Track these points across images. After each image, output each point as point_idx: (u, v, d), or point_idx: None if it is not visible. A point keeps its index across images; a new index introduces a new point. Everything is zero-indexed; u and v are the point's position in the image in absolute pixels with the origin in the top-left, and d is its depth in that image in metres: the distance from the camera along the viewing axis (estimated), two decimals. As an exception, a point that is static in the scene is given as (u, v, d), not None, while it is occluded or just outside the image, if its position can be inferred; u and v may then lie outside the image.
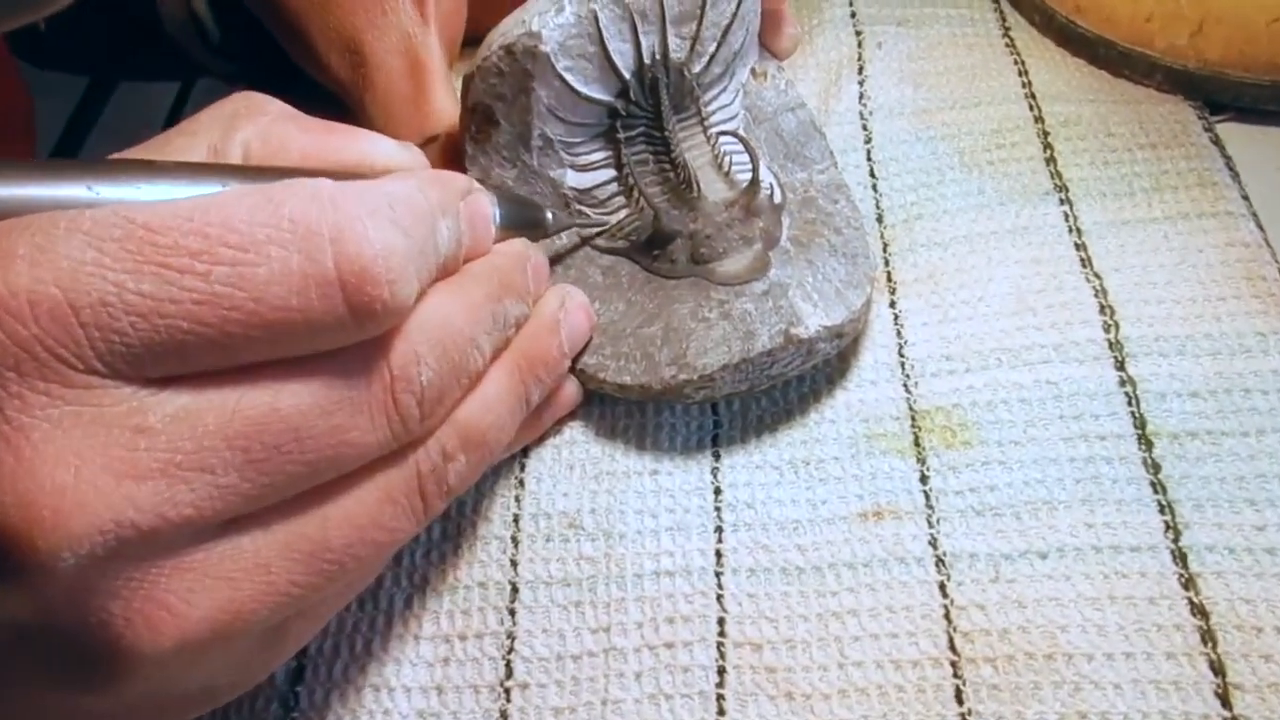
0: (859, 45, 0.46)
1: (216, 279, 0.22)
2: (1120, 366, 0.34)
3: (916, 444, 0.33)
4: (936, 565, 0.30)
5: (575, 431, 0.36)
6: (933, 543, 0.31)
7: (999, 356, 0.35)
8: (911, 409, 0.34)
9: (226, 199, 0.23)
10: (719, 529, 0.32)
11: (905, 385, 0.35)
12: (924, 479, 0.32)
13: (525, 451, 0.35)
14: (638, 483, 0.34)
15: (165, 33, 0.44)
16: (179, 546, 0.23)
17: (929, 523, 0.31)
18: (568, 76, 0.34)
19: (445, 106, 0.37)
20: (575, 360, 0.34)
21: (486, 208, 0.30)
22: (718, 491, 0.33)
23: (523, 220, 0.33)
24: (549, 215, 0.34)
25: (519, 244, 0.32)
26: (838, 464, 0.33)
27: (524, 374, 0.30)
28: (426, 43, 0.37)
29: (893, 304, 0.38)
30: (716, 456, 0.34)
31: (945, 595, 0.30)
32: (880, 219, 0.40)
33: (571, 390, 0.35)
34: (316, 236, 0.23)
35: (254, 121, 0.30)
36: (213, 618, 0.23)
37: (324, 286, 0.23)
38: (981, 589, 0.30)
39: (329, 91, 0.41)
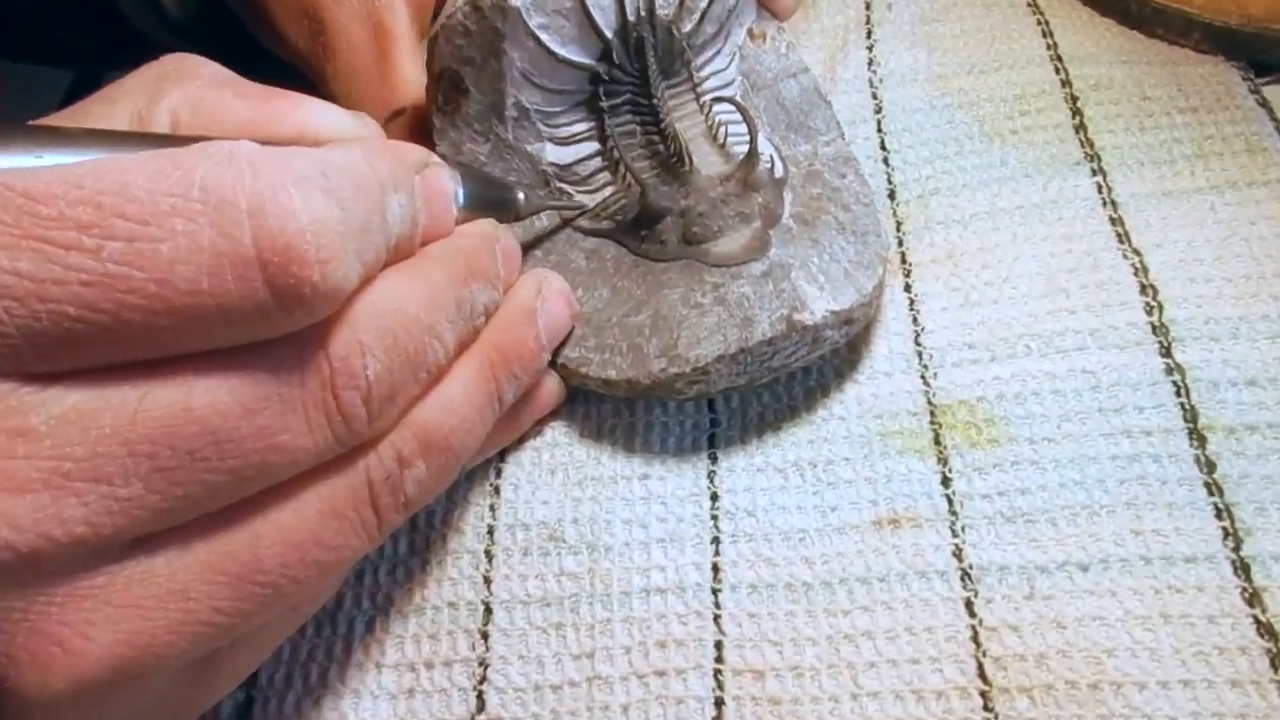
0: (867, 7, 0.42)
1: (109, 256, 0.19)
2: (1166, 353, 0.30)
3: (937, 442, 0.30)
4: (962, 580, 0.27)
5: (557, 432, 0.32)
6: (957, 554, 0.27)
7: (1028, 343, 0.31)
8: (930, 403, 0.31)
9: (125, 163, 0.20)
10: (716, 540, 0.29)
11: (923, 377, 0.31)
12: (946, 481, 0.29)
13: (502, 455, 0.32)
14: (626, 489, 0.30)
15: (120, 12, 0.41)
16: (73, 570, 0.19)
17: (953, 531, 0.28)
18: (543, 36, 0.31)
19: (412, 77, 0.34)
20: (555, 353, 0.31)
21: (446, 184, 0.27)
22: (714, 498, 0.30)
23: (490, 200, 0.29)
24: (520, 196, 0.31)
25: (485, 224, 0.29)
26: (848, 466, 0.30)
27: (495, 369, 0.27)
28: (391, 6, 0.34)
29: (908, 287, 0.34)
30: (713, 459, 0.31)
31: (973, 614, 0.26)
32: (893, 195, 0.37)
33: (552, 387, 0.32)
34: (231, 207, 0.19)
35: (184, 86, 0.26)
36: (117, 654, 0.20)
37: (240, 266, 0.19)
38: (1014, 607, 0.26)
39: (301, 72, 0.37)
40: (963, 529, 0.28)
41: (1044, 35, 0.40)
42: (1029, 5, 0.42)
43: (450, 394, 0.26)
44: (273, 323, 0.20)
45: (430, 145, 0.33)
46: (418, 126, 0.34)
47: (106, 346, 0.19)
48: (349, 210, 0.21)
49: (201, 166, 0.20)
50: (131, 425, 0.19)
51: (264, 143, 0.25)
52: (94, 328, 0.19)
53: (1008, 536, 0.27)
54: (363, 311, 0.23)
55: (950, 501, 0.28)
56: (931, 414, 0.30)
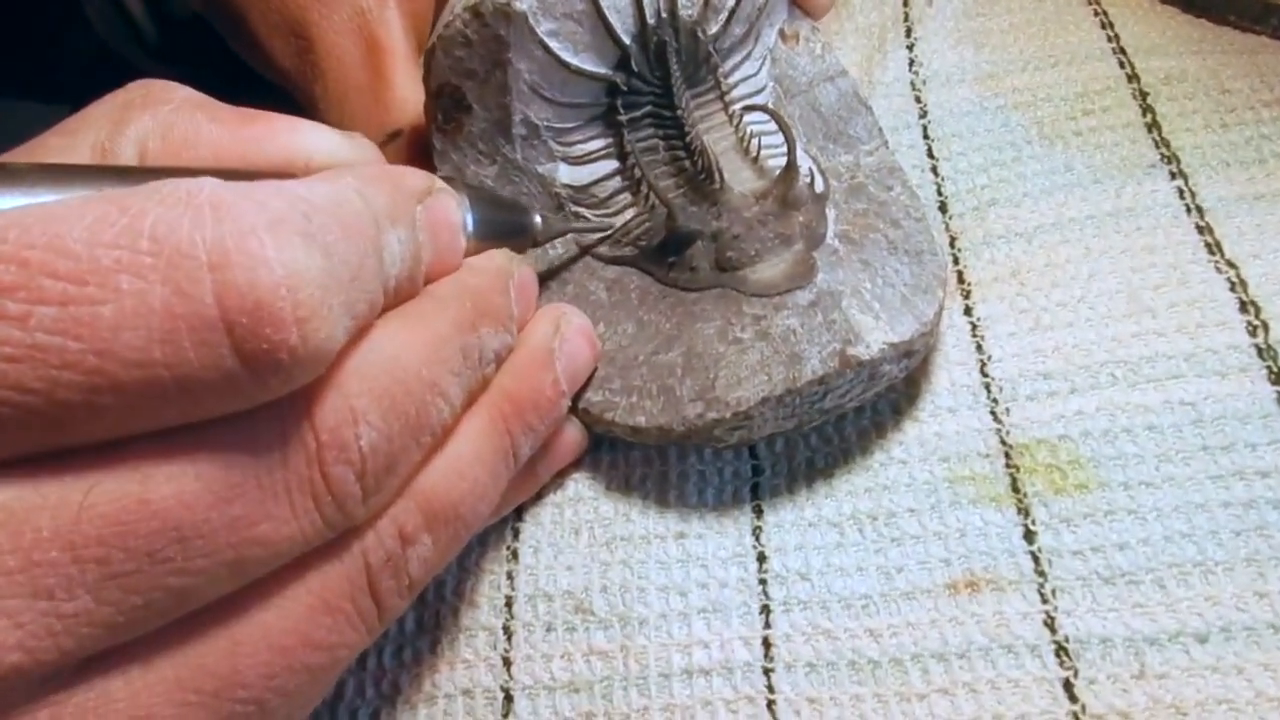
0: (905, 3, 0.39)
1: (39, 325, 0.15)
2: (1278, 380, 0.26)
3: (1015, 489, 0.26)
4: (1058, 655, 0.23)
5: (580, 485, 0.29)
6: (1049, 623, 0.23)
7: (1113, 372, 0.27)
8: (1004, 443, 0.27)
9: (59, 210, 0.16)
10: (766, 609, 0.25)
11: (993, 412, 0.28)
12: (1029, 536, 0.25)
13: (519, 514, 0.28)
14: (660, 550, 0.27)
15: (97, 36, 0.38)
16: (10, 704, 0.16)
17: (1041, 596, 0.24)
18: (552, 44, 0.27)
19: (409, 95, 0.31)
20: (576, 398, 0.28)
21: (453, 212, 0.23)
22: (761, 559, 0.26)
23: (504, 227, 0.26)
24: (537, 219, 0.27)
25: (499, 256, 0.25)
26: (914, 518, 0.26)
27: (509, 422, 0.24)
28: (384, 19, 0.31)
29: (968, 310, 0.30)
30: (758, 512, 0.27)
31: (1073, 698, 0.22)
32: (944, 208, 0.33)
33: (573, 435, 0.28)
34: (189, 259, 0.16)
35: (152, 112, 0.23)
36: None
37: (201, 330, 0.16)
38: (1122, 689, 0.22)
39: (290, 94, 0.34)
40: (1053, 593, 0.24)
41: (1103, 27, 0.36)
42: (1084, -5, 0.38)
43: (458, 455, 0.22)
44: (244, 394, 0.17)
45: (431, 169, 0.30)
46: (417, 149, 0.31)
47: (40, 432, 0.16)
48: (335, 256, 0.18)
49: (153, 211, 0.16)
50: (75, 526, 0.16)
51: (244, 173, 0.22)
52: (23, 411, 0.15)
53: (1107, 601, 0.23)
54: (354, 371, 0.19)
55: (1036, 560, 0.25)
56: (1006, 455, 0.27)
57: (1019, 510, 0.26)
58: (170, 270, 0.16)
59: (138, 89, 0.24)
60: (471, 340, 0.22)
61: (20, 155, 0.23)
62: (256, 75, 0.35)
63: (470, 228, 0.24)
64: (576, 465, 0.29)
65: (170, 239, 0.16)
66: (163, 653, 0.18)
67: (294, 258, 0.17)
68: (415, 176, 0.23)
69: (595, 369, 0.28)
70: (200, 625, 0.18)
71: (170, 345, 0.16)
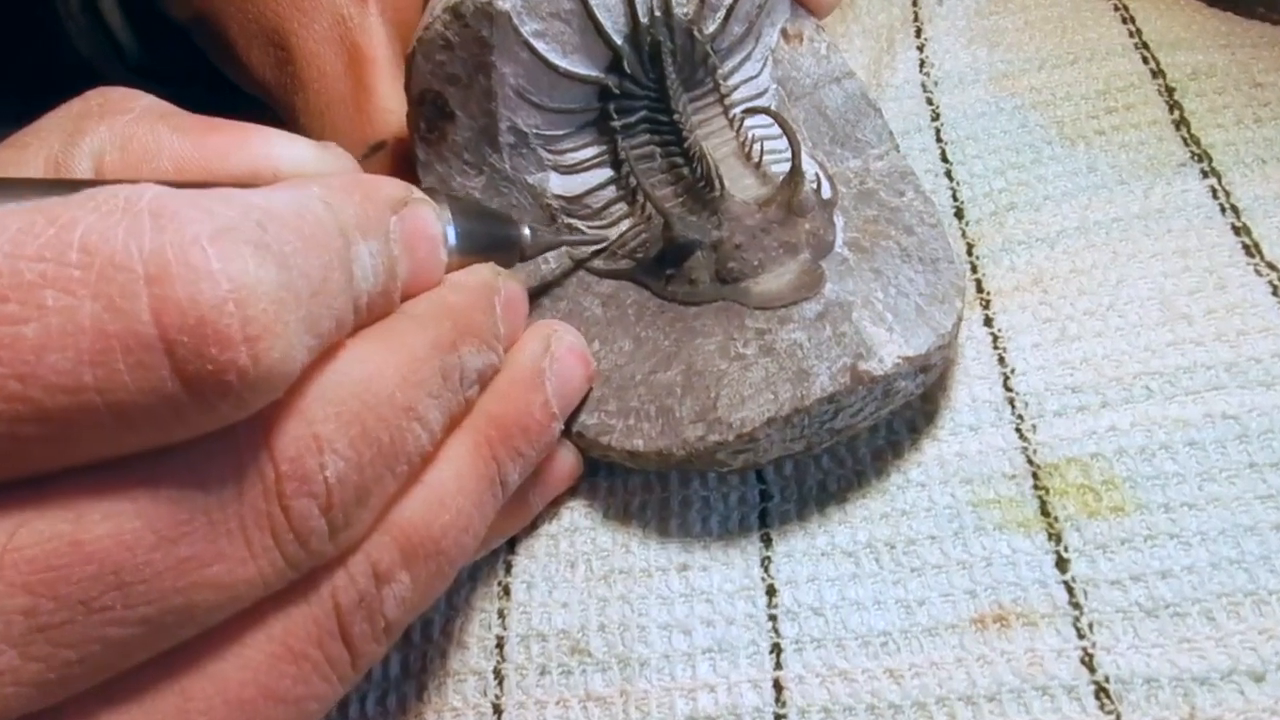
0: (914, 4, 0.37)
1: None
2: (1329, 389, 0.24)
3: (1045, 513, 0.24)
4: (1097, 696, 0.21)
5: (576, 514, 0.27)
6: (1087, 661, 0.21)
7: (1147, 384, 0.25)
8: (1032, 463, 0.25)
9: None
10: (776, 649, 0.23)
11: (1019, 430, 0.26)
12: (1062, 564, 0.23)
13: (511, 546, 0.26)
14: (662, 584, 0.25)
15: (79, 54, 0.37)
16: None
17: (1078, 630, 0.22)
18: (539, 45, 0.26)
19: (393, 105, 0.29)
20: (570, 421, 0.26)
21: (432, 224, 0.22)
22: (771, 592, 0.24)
23: (490, 240, 0.24)
24: (526, 231, 0.26)
25: (484, 271, 0.24)
26: (935, 546, 0.24)
27: (495, 448, 0.22)
28: (365, 25, 0.29)
29: (988, 321, 0.28)
30: (766, 541, 0.25)
31: (1118, 745, 0.20)
32: (960, 213, 0.31)
33: (566, 460, 0.26)
34: (123, 272, 0.15)
35: (109, 123, 0.22)
36: None
37: (137, 350, 0.15)
38: (1172, 734, 0.20)
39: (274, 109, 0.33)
40: (1090, 627, 0.22)
41: (1124, 21, 0.35)
42: (1102, -10, 0.36)
43: (439, 484, 0.20)
44: (189, 421, 0.15)
45: (415, 182, 0.28)
46: (401, 161, 0.29)
47: None
48: (294, 268, 0.16)
49: (85, 220, 0.15)
50: None
51: (207, 185, 0.21)
52: None
53: (1150, 636, 0.21)
54: (320, 394, 0.18)
55: (1070, 590, 0.22)
56: (1034, 476, 0.25)
57: (1050, 536, 0.23)
58: (102, 284, 0.14)
59: (95, 97, 0.23)
60: (451, 360, 0.21)
61: (-32, 171, 0.22)
62: (241, 90, 0.34)
63: (452, 241, 0.23)
64: (572, 492, 0.27)
65: (103, 250, 0.15)
66: (104, 711, 0.16)
67: (243, 269, 0.15)
68: (390, 186, 0.21)
69: (590, 390, 0.26)
70: (146, 680, 0.16)
71: (102, 368, 0.14)
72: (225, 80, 0.34)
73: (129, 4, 0.36)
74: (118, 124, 0.22)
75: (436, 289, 0.22)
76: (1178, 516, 0.23)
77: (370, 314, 0.20)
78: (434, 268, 0.22)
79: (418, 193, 0.22)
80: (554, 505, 0.27)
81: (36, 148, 0.22)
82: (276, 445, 0.17)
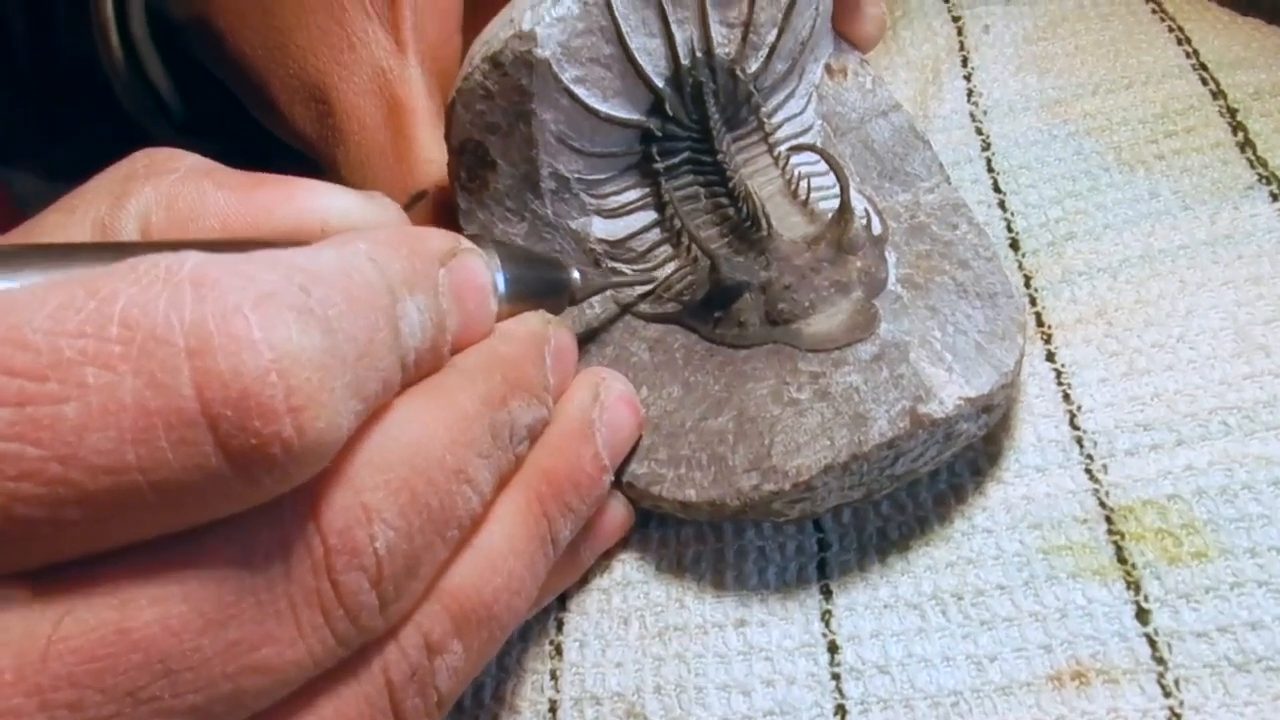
0: (959, 33, 0.37)
1: None
2: None
3: (1121, 560, 0.23)
4: (1190, 759, 0.20)
5: (628, 568, 0.26)
6: (1176, 721, 0.20)
7: (1225, 419, 0.24)
8: (1104, 505, 0.24)
9: (23, 298, 0.15)
10: (841, 710, 0.22)
11: (1088, 471, 0.25)
12: (1142, 615, 0.22)
13: (562, 602, 0.26)
14: (719, 641, 0.24)
15: (125, 112, 0.38)
16: None
17: (1163, 688, 0.21)
18: (579, 91, 0.25)
19: (434, 155, 0.29)
20: (620, 470, 0.25)
21: (481, 274, 0.21)
22: (833, 649, 0.23)
23: (540, 285, 0.24)
24: (575, 274, 0.25)
25: (534, 320, 0.23)
26: (1005, 597, 0.23)
27: (546, 504, 0.21)
28: (404, 76, 0.29)
29: (1050, 356, 0.27)
30: (826, 593, 0.24)
31: (1215, 813, 0.19)
32: (1015, 244, 0.30)
33: (618, 513, 0.26)
34: (164, 345, 0.14)
35: (155, 183, 0.22)
36: None
37: (180, 427, 0.14)
38: (1275, 801, 0.19)
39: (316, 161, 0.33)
40: (1177, 684, 0.21)
41: (1179, 43, 0.34)
42: (1154, 12, 0.35)
43: (489, 547, 0.20)
44: (234, 497, 0.15)
45: (457, 230, 0.28)
46: (443, 209, 0.29)
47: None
48: (339, 331, 0.16)
49: (125, 292, 0.15)
50: (43, 665, 0.14)
51: (253, 242, 0.20)
52: None
53: (1242, 693, 0.20)
54: (367, 461, 0.17)
55: (1152, 644, 0.21)
56: (1108, 520, 0.23)
57: (1128, 584, 0.22)
58: (143, 359, 0.14)
59: (141, 159, 0.23)
60: (501, 417, 0.20)
61: (17, 236, 0.22)
62: (284, 143, 0.34)
63: (502, 289, 0.22)
64: (623, 544, 0.26)
65: (144, 323, 0.14)
66: None
67: (286, 337, 0.15)
68: (438, 237, 0.21)
69: (640, 438, 0.25)
70: None
71: (145, 446, 0.14)
72: (267, 134, 0.35)
73: (172, 61, 0.36)
74: (163, 184, 0.22)
75: (486, 340, 0.22)
76: (1265, 562, 0.22)
77: (419, 370, 0.19)
78: (484, 318, 0.22)
79: (466, 243, 0.22)
80: (605, 557, 0.26)
81: (84, 211, 0.22)
82: (324, 517, 0.16)
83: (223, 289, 0.15)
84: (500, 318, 0.22)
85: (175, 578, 0.15)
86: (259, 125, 0.35)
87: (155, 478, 0.14)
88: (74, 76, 0.38)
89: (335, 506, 0.17)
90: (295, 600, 0.16)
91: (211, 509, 0.15)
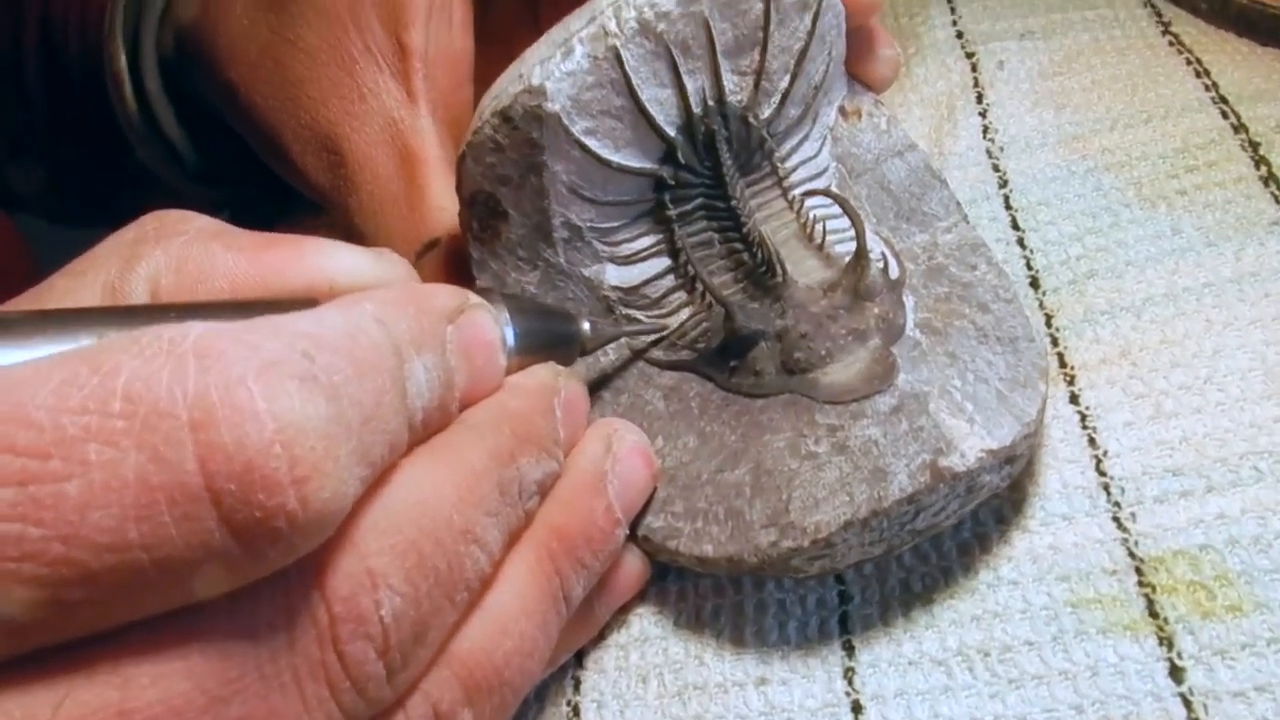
0: (973, 70, 0.36)
1: None
2: None
3: (1153, 614, 0.22)
4: (1231, 828, 0.19)
5: (646, 623, 0.25)
6: (1215, 786, 0.19)
7: (1257, 465, 0.24)
8: (1134, 556, 0.23)
9: (26, 374, 0.15)
10: (866, 773, 0.22)
11: (1116, 519, 0.24)
12: (1176, 673, 0.21)
13: (579, 659, 0.25)
14: (739, 700, 0.23)
15: (138, 161, 0.38)
16: None
17: (1201, 750, 0.20)
18: (590, 143, 0.25)
19: (446, 204, 0.29)
20: (635, 523, 0.25)
21: (489, 330, 0.21)
22: (857, 709, 0.23)
23: (550, 337, 0.24)
24: (585, 325, 0.25)
25: (543, 372, 0.23)
26: (1033, 653, 0.22)
27: (558, 561, 0.21)
28: (417, 128, 0.29)
29: (1074, 398, 0.27)
30: (848, 650, 0.24)
31: None
32: (1035, 283, 0.30)
33: (633, 566, 0.25)
34: (167, 419, 0.14)
35: (164, 246, 0.22)
36: None
37: (183, 502, 0.14)
38: None
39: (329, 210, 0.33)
40: (1215, 746, 0.20)
41: (1198, 75, 0.33)
42: (1171, 45, 0.35)
43: (499, 608, 0.20)
44: (238, 572, 0.15)
45: (470, 279, 0.28)
46: (455, 258, 0.29)
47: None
48: (345, 397, 0.16)
49: (128, 366, 0.14)
50: None
51: (263, 304, 0.20)
52: None
53: (1285, 755, 0.19)
54: (373, 525, 0.17)
55: (1188, 704, 0.21)
56: (1138, 572, 0.23)
57: (1160, 640, 0.22)
58: (146, 434, 0.14)
59: (150, 221, 0.23)
60: (510, 473, 0.20)
61: (26, 300, 0.22)
62: (298, 191, 0.34)
63: (511, 343, 0.22)
64: (640, 598, 0.26)
65: (147, 397, 0.14)
66: None
67: (289, 406, 0.15)
68: (445, 295, 0.21)
69: (655, 490, 0.25)
70: None
71: (148, 523, 0.14)
72: (281, 183, 0.35)
73: (185, 109, 0.37)
74: (173, 246, 0.22)
75: (495, 395, 0.21)
76: (1305, 617, 0.21)
77: (426, 430, 0.19)
78: (493, 374, 0.21)
79: (474, 298, 0.21)
80: (622, 612, 0.26)
81: (93, 275, 0.22)
82: (329, 585, 0.16)
83: (226, 360, 0.15)
84: (510, 371, 0.22)
85: (177, 654, 0.15)
86: (271, 174, 0.35)
87: (158, 555, 0.14)
88: (90, 130, 0.39)
89: (340, 573, 0.16)
90: (300, 672, 0.16)
91: (214, 585, 0.15)
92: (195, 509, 0.14)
